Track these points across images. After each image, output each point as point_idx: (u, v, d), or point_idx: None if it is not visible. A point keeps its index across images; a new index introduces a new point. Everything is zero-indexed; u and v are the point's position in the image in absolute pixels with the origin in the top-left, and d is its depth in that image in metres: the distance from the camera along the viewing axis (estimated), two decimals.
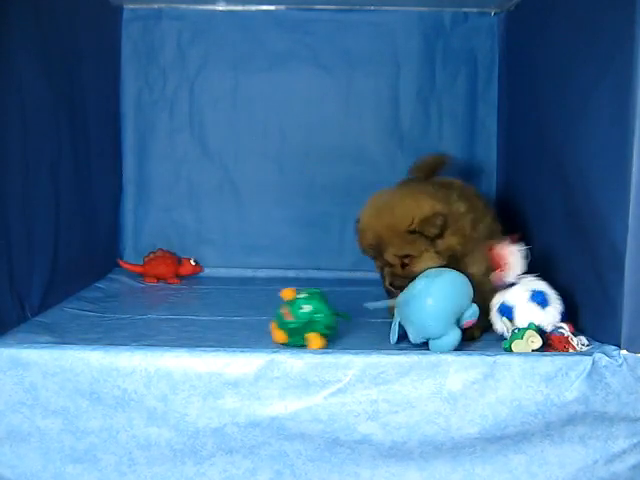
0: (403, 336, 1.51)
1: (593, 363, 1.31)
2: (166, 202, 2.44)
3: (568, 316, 1.49)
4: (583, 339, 1.43)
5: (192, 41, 2.38)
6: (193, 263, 2.30)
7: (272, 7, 2.36)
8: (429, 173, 1.94)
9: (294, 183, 2.41)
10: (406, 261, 1.57)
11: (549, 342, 1.42)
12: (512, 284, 1.52)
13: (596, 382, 1.31)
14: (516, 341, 1.39)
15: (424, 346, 1.45)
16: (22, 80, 1.57)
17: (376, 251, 1.60)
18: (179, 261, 2.30)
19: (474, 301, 1.49)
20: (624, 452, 1.34)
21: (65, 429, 1.31)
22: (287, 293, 1.54)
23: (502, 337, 1.50)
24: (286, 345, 1.49)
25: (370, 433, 1.30)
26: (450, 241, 1.59)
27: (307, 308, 1.50)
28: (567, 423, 1.32)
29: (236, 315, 1.78)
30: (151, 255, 2.28)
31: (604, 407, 1.31)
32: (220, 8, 2.36)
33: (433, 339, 1.44)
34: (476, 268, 1.61)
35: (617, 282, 1.34)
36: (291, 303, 1.51)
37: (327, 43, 2.37)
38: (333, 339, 1.52)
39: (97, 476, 1.32)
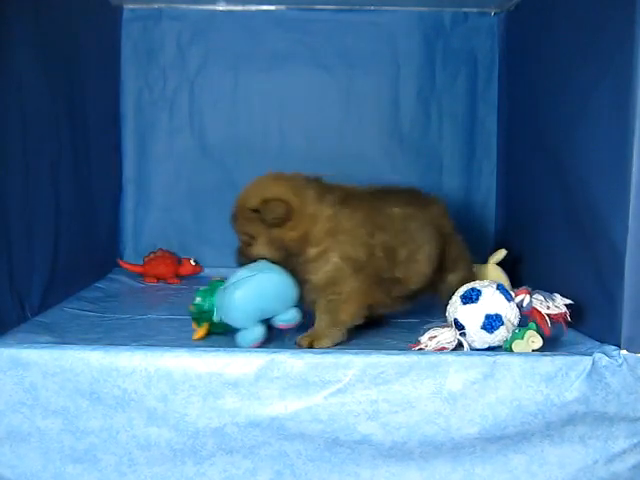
0: None
1: (593, 363, 1.31)
2: (166, 202, 2.44)
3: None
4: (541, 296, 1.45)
5: (192, 41, 2.38)
6: (193, 263, 2.31)
7: (272, 7, 2.36)
8: None
9: None
10: (250, 241, 1.54)
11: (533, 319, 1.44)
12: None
13: (596, 382, 1.31)
14: (516, 341, 1.39)
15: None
16: (22, 80, 1.57)
17: (232, 225, 1.59)
18: (179, 261, 2.30)
19: (308, 306, 1.51)
20: (624, 452, 1.34)
21: (65, 429, 1.31)
22: (212, 281, 1.59)
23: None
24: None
25: (370, 433, 1.30)
26: (286, 235, 1.50)
27: (198, 300, 1.54)
28: (567, 423, 1.32)
29: None
30: (151, 255, 2.28)
31: (604, 407, 1.31)
32: (220, 8, 2.36)
33: (236, 328, 1.47)
34: (317, 277, 1.51)
35: (617, 282, 1.34)
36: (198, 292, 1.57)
37: (327, 43, 2.37)
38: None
39: (97, 476, 1.32)
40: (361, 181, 2.34)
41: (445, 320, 1.50)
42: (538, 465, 1.33)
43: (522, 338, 1.39)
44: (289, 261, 1.51)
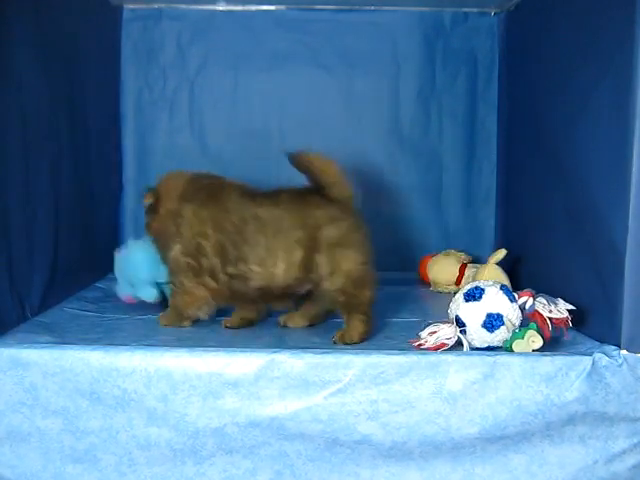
0: None
1: (593, 363, 1.31)
2: None
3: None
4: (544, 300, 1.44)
5: (192, 41, 2.38)
6: None
7: (272, 7, 2.36)
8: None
9: (294, 183, 2.40)
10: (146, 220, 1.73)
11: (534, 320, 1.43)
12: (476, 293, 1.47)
13: (596, 382, 1.31)
14: (517, 341, 1.39)
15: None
16: (22, 80, 1.57)
17: None
18: None
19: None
20: (624, 452, 1.34)
21: (65, 429, 1.31)
22: None
23: None
24: None
25: (370, 433, 1.30)
26: (151, 222, 1.69)
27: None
28: (567, 423, 1.32)
29: None
30: None
31: (604, 407, 1.31)
32: (220, 8, 2.36)
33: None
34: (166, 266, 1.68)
35: (617, 282, 1.34)
36: None
37: (327, 43, 2.37)
38: None
39: (97, 476, 1.32)
40: (361, 181, 2.36)
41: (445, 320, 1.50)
42: (538, 465, 1.33)
43: (522, 338, 1.39)
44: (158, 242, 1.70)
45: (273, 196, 1.63)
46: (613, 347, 1.34)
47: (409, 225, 2.43)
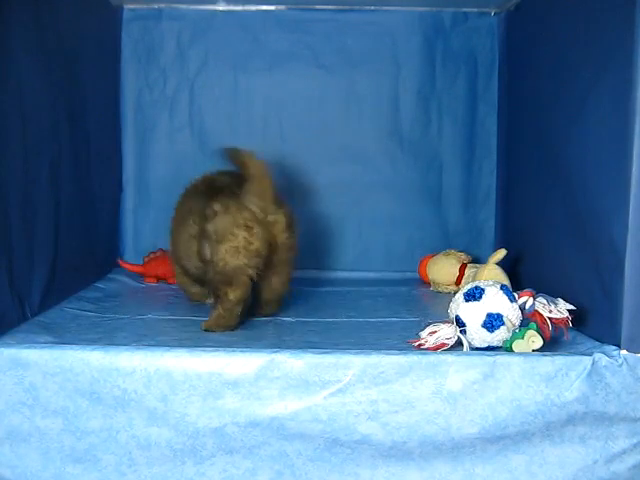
0: None
1: (593, 363, 1.31)
2: (166, 202, 2.42)
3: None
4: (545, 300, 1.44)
5: (192, 41, 2.38)
6: None
7: (272, 7, 2.36)
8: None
9: (294, 183, 2.41)
10: None
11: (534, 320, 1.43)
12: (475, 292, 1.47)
13: (596, 382, 1.31)
14: (517, 341, 1.39)
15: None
16: (22, 80, 1.57)
17: None
18: None
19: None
20: (624, 452, 1.34)
21: (65, 429, 1.31)
22: None
23: None
24: None
25: (370, 433, 1.30)
26: None
27: None
28: (567, 423, 1.32)
29: None
30: (151, 255, 2.27)
31: (604, 407, 1.31)
32: (220, 8, 2.36)
33: None
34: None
35: (617, 282, 1.34)
36: None
37: (327, 43, 2.37)
38: None
39: (97, 476, 1.32)
40: (361, 181, 2.37)
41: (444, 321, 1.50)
42: (538, 465, 1.33)
43: (522, 338, 1.39)
44: None
45: (214, 192, 1.75)
46: (613, 347, 1.34)
47: (409, 225, 2.43)
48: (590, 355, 1.32)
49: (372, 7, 2.35)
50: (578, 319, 1.48)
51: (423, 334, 1.44)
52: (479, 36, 2.38)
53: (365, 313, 1.81)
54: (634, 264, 1.32)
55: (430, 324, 1.46)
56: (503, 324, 1.41)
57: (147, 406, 1.30)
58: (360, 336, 1.57)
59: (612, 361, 1.31)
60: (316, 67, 2.39)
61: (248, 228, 1.62)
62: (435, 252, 2.24)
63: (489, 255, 1.99)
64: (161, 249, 2.30)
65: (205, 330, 1.61)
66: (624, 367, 1.31)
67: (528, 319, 1.42)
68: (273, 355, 1.31)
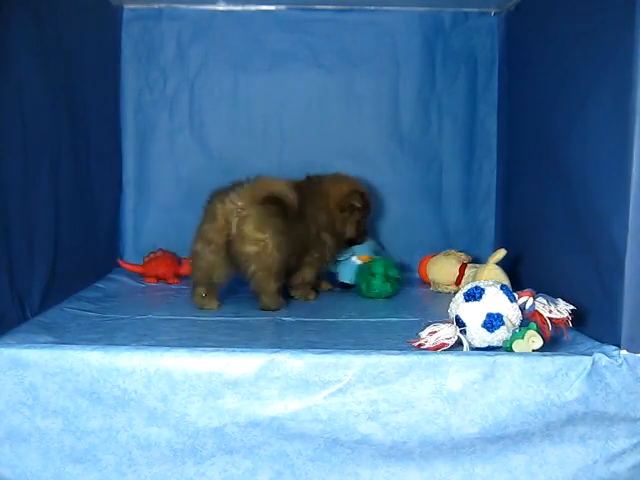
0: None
1: (593, 363, 1.31)
2: (166, 202, 2.44)
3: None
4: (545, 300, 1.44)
5: (192, 41, 2.38)
6: None
7: (272, 7, 2.36)
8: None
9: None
10: None
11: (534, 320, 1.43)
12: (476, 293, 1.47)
13: (596, 382, 1.31)
14: (517, 341, 1.39)
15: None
16: (22, 80, 1.57)
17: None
18: (179, 261, 2.30)
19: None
20: (624, 452, 1.34)
21: (65, 429, 1.31)
22: None
23: None
24: None
25: (370, 433, 1.30)
26: None
27: None
28: (567, 423, 1.32)
29: (236, 315, 1.77)
30: (151, 255, 2.27)
31: (604, 407, 1.31)
32: (220, 8, 2.36)
33: None
34: None
35: (617, 282, 1.34)
36: None
37: (327, 43, 2.38)
38: None
39: (97, 476, 1.32)
40: (361, 181, 2.36)
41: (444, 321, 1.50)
42: (538, 465, 1.33)
43: (522, 338, 1.39)
44: None
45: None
46: (613, 347, 1.34)
47: (409, 225, 2.43)
48: (590, 355, 1.32)
49: (372, 7, 2.36)
50: (578, 319, 1.48)
51: (423, 334, 1.44)
52: (479, 36, 2.38)
53: (365, 313, 1.81)
54: (634, 264, 1.32)
55: (430, 324, 1.46)
56: (503, 324, 1.41)
57: (147, 406, 1.30)
58: (360, 336, 1.57)
59: (612, 361, 1.31)
60: (316, 67, 2.39)
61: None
62: (435, 252, 2.24)
63: (489, 255, 1.99)
64: (161, 249, 2.30)
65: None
66: (624, 367, 1.31)
67: (528, 319, 1.42)
68: (273, 355, 1.31)
